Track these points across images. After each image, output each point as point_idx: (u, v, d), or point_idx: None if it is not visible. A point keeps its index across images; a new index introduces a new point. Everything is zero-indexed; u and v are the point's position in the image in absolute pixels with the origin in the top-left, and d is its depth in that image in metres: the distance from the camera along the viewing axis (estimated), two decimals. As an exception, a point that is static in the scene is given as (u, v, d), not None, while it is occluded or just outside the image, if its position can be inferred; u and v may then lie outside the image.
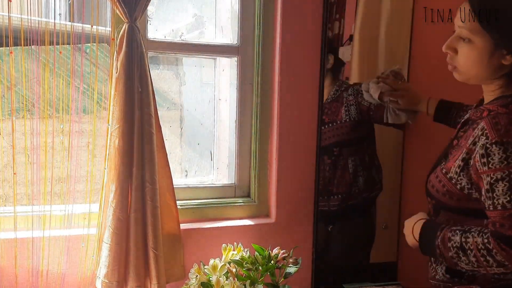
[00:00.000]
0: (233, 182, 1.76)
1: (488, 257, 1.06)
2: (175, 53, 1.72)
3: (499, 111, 1.10)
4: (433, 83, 1.70)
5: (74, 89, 1.43)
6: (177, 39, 1.73)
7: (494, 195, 1.06)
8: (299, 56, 1.66)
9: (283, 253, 1.42)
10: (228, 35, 1.76)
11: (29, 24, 1.32)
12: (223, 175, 1.81)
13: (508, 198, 1.04)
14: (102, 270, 1.41)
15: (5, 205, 1.52)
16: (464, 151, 1.13)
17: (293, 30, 1.65)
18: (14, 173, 1.36)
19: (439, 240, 1.15)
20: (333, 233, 1.77)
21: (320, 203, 1.73)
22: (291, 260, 1.42)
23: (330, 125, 1.72)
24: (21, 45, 1.32)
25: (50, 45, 1.36)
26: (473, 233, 1.10)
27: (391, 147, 1.82)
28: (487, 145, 1.06)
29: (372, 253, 1.83)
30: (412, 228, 1.27)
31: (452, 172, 1.16)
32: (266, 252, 1.41)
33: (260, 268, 1.39)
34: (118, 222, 1.39)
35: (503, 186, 1.04)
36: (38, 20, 1.34)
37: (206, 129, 1.85)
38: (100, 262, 1.42)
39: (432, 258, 1.28)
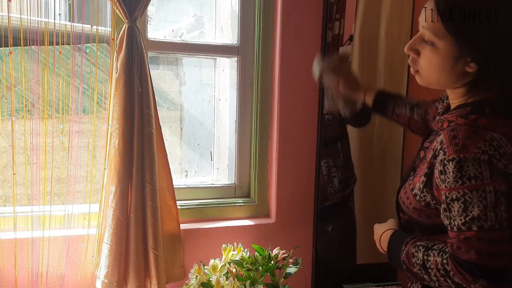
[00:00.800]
0: (233, 182, 1.76)
1: (447, 278, 1.01)
2: (175, 53, 1.72)
3: (458, 122, 1.03)
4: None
5: (74, 89, 1.42)
6: (177, 39, 1.72)
7: (451, 215, 1.00)
8: (299, 56, 1.66)
9: (283, 253, 1.42)
10: (228, 35, 1.76)
11: (29, 24, 1.32)
12: (223, 175, 1.81)
13: (463, 220, 0.97)
14: (102, 270, 1.41)
15: (5, 205, 1.52)
16: (426, 166, 1.07)
17: (293, 30, 1.65)
18: (14, 174, 1.36)
19: (403, 255, 1.11)
20: (319, 234, 1.75)
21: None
22: (291, 260, 1.42)
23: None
24: (20, 45, 1.32)
25: (50, 45, 1.36)
26: (434, 251, 1.05)
27: (391, 145, 1.82)
28: (445, 162, 0.99)
29: (372, 253, 1.82)
30: (380, 237, 1.23)
31: (416, 188, 1.10)
32: (266, 252, 1.41)
33: (260, 268, 1.39)
34: (118, 222, 1.39)
35: (458, 207, 0.98)
36: (38, 20, 1.34)
37: (206, 129, 1.85)
38: (100, 263, 1.42)
39: (410, 278, 1.22)
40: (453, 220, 1.00)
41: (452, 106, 1.11)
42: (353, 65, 1.73)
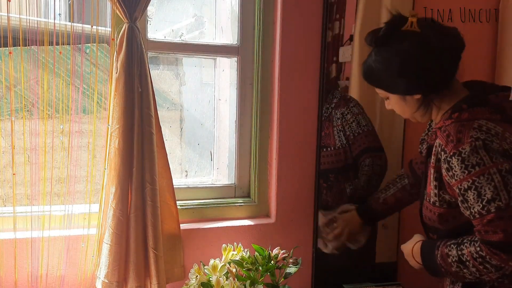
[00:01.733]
0: (233, 182, 1.76)
1: (485, 264, 1.07)
2: (175, 53, 1.72)
3: (446, 124, 1.15)
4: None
5: (74, 90, 1.42)
6: (177, 39, 1.72)
7: (469, 204, 1.08)
8: (299, 56, 1.66)
9: (283, 253, 1.42)
10: (228, 35, 1.76)
11: (29, 24, 1.32)
12: (223, 175, 1.81)
13: (481, 205, 1.06)
14: (102, 271, 1.41)
15: (4, 205, 1.52)
16: (432, 172, 1.18)
17: (293, 30, 1.64)
18: (14, 174, 1.36)
19: (439, 259, 1.17)
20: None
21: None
22: (291, 260, 1.42)
23: (325, 150, 1.70)
24: (20, 45, 1.32)
25: (49, 45, 1.36)
26: (466, 244, 1.11)
27: (391, 148, 1.82)
28: (448, 158, 1.10)
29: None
30: (412, 252, 1.29)
31: (432, 196, 1.20)
32: (266, 252, 1.41)
33: (260, 268, 1.39)
34: (118, 222, 1.39)
35: (473, 195, 1.07)
36: (38, 20, 1.34)
37: (206, 129, 1.85)
38: (100, 263, 1.42)
39: (448, 280, 1.28)
40: (472, 209, 1.08)
41: (437, 120, 1.25)
42: (353, 65, 1.73)
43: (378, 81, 1.25)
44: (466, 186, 1.07)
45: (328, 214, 1.66)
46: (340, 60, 1.71)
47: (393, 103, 1.27)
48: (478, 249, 1.08)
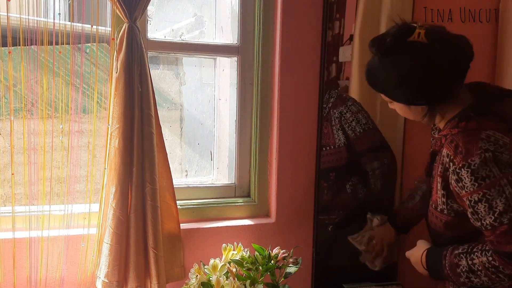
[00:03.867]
0: (233, 182, 1.76)
1: (498, 274, 1.07)
2: (175, 53, 1.72)
3: (453, 133, 1.13)
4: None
5: (74, 89, 1.42)
6: (177, 39, 1.72)
7: (480, 216, 1.08)
8: (299, 56, 1.66)
9: (283, 253, 1.42)
10: (228, 35, 1.76)
11: (28, 24, 1.32)
12: (223, 175, 1.81)
13: (493, 217, 1.05)
14: (102, 270, 1.40)
15: (4, 205, 1.51)
16: (439, 181, 1.17)
17: (293, 30, 1.64)
18: (12, 174, 1.36)
19: (447, 269, 1.17)
20: (335, 234, 1.76)
21: (320, 215, 1.72)
22: (291, 260, 1.42)
23: (324, 149, 1.70)
24: (20, 45, 1.31)
25: (49, 45, 1.35)
26: (476, 253, 1.11)
27: (392, 148, 1.82)
28: (457, 170, 1.09)
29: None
30: (421, 260, 1.28)
31: (439, 204, 1.19)
32: (266, 252, 1.41)
33: (260, 268, 1.39)
34: (119, 222, 1.39)
35: (484, 207, 1.06)
36: (37, 20, 1.34)
37: (206, 129, 1.85)
38: (100, 262, 1.42)
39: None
40: (484, 220, 1.07)
41: (442, 126, 1.22)
42: (354, 65, 1.73)
43: (381, 88, 1.21)
44: (476, 198, 1.07)
45: (359, 236, 1.62)
46: (340, 59, 1.71)
47: (397, 108, 1.24)
48: (490, 259, 1.07)
